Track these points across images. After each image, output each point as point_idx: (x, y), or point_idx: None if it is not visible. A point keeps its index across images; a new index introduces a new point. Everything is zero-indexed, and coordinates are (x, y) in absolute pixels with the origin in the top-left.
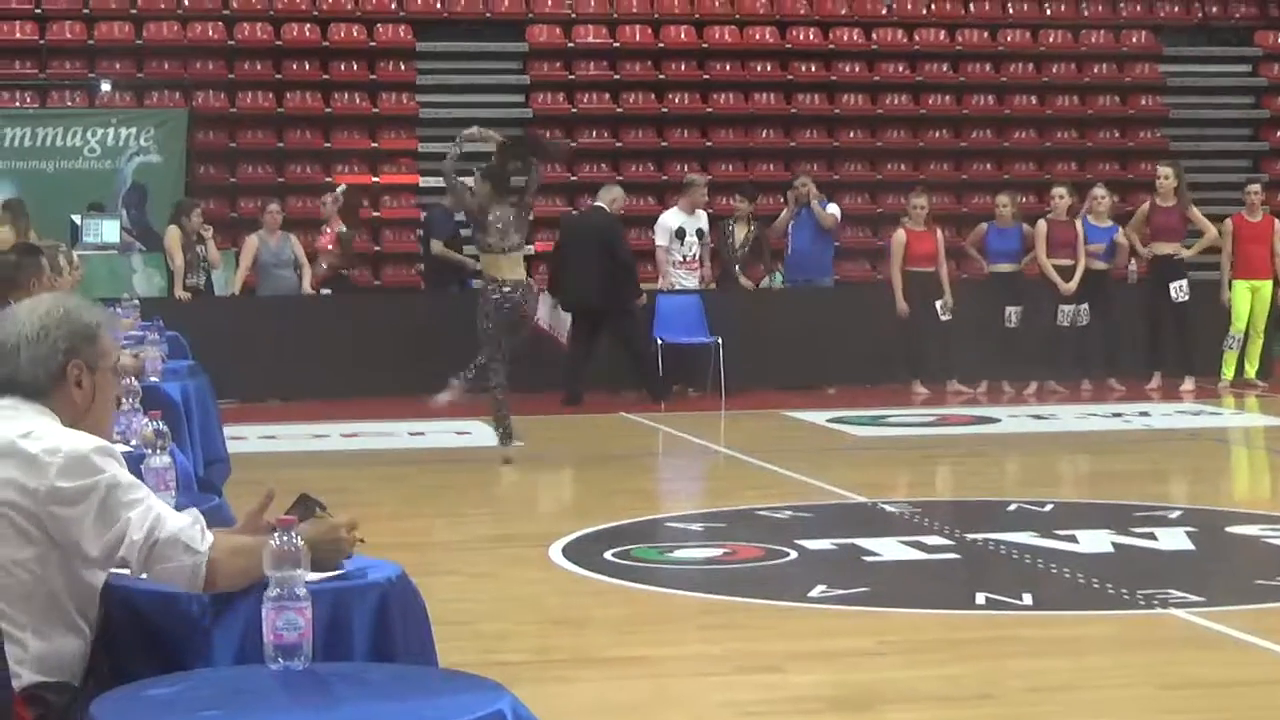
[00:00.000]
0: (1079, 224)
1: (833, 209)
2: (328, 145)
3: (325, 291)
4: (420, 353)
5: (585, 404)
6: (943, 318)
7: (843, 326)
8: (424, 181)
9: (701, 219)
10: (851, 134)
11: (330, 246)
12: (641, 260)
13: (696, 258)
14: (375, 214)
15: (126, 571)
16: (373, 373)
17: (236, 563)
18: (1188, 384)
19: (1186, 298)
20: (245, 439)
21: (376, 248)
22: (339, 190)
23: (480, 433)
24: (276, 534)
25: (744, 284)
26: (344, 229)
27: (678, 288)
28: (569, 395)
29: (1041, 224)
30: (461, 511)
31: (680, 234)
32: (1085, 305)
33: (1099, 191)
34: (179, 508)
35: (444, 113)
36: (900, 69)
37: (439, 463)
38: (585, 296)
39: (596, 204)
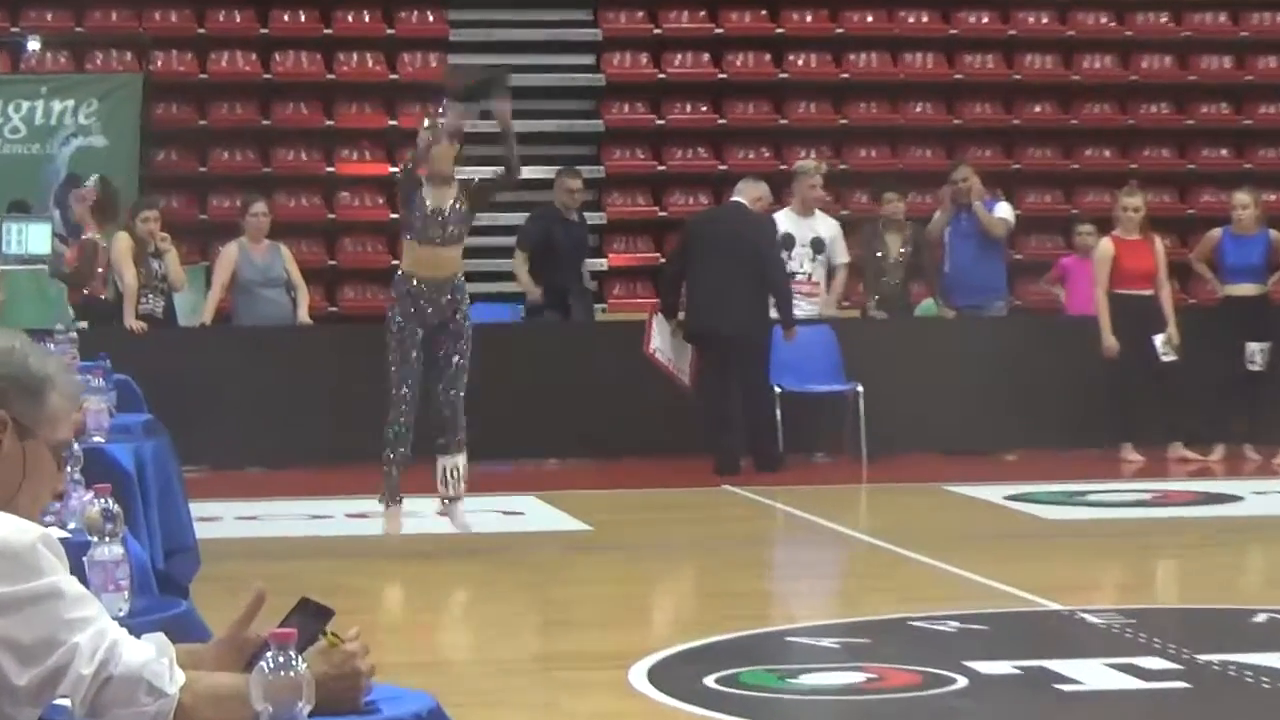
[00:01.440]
0: None
1: (1004, 211)
2: (330, 123)
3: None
4: (470, 403)
5: (661, 463)
6: (1163, 358)
7: (1025, 370)
8: (460, 172)
9: (822, 223)
10: (1036, 108)
11: (71, 260)
12: None
13: (811, 276)
14: (393, 216)
15: (65, 703)
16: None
17: (216, 711)
18: None
19: None
20: (220, 520)
21: (395, 261)
22: (90, 181)
23: (536, 513)
24: (269, 654)
25: (876, 315)
26: (96, 236)
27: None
28: (721, 461)
29: None
30: (511, 620)
31: (788, 243)
32: None
33: None
34: (135, 614)
35: None
36: (1102, 20)
37: (481, 553)
38: (717, 322)
39: (735, 200)
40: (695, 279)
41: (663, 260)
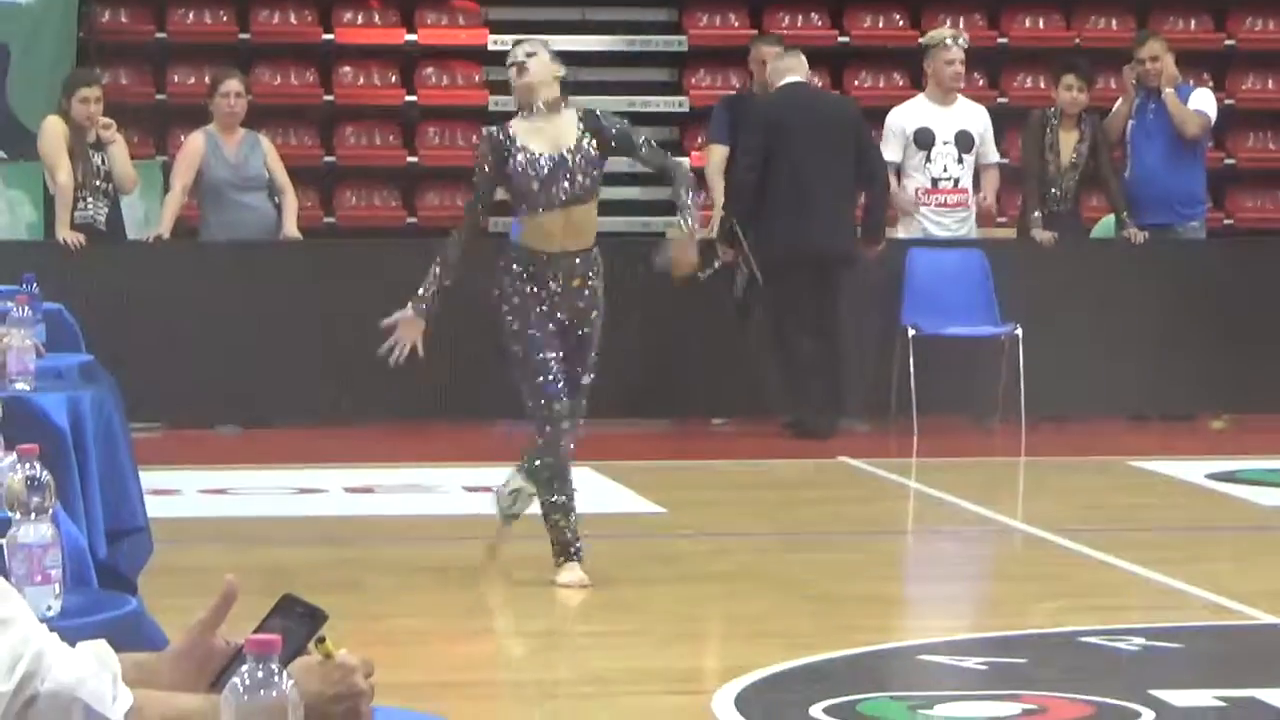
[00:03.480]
0: None
1: (1201, 100)
2: None
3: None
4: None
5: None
6: None
7: (1238, 310)
8: (495, 42)
9: (970, 113)
10: None
11: None
12: None
13: (959, 182)
14: (410, 98)
15: None
16: (405, 381)
17: None
18: None
19: None
20: (179, 494)
21: (411, 157)
22: None
23: (594, 490)
24: (244, 668)
25: (1040, 238)
26: None
27: (935, 235)
28: (797, 418)
29: None
30: (558, 629)
31: (925, 139)
32: None
33: None
34: (69, 614)
35: None
36: None
37: (519, 539)
38: (807, 237)
39: (793, 79)
40: (781, 183)
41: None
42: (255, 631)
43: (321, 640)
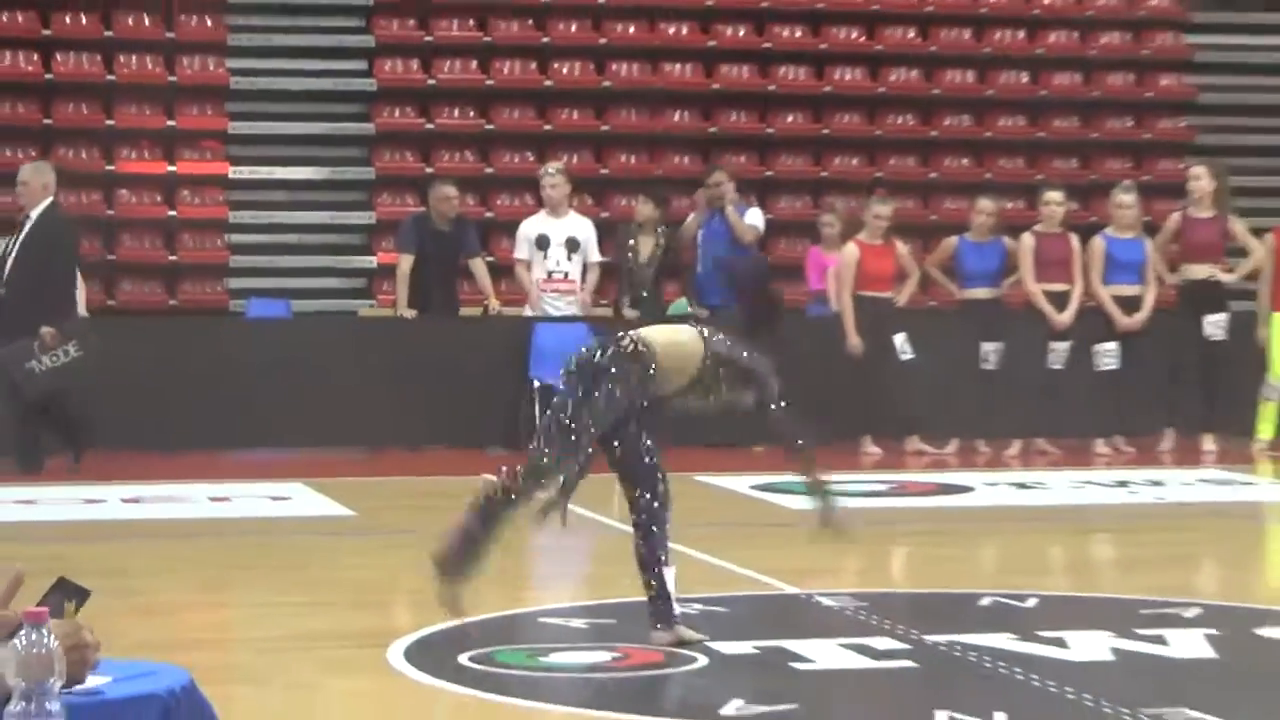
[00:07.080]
0: (1076, 239)
1: (754, 217)
2: (110, 123)
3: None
4: (242, 394)
5: (424, 453)
6: (902, 357)
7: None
8: (234, 172)
9: (577, 224)
10: (790, 118)
11: None
12: (503, 274)
13: (568, 275)
14: (171, 213)
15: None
16: (166, 418)
17: None
18: (1208, 444)
19: (1224, 336)
20: None
21: (172, 256)
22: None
23: (303, 498)
24: (23, 631)
25: (628, 316)
26: None
27: (550, 314)
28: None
29: (1028, 238)
30: (275, 600)
31: (543, 243)
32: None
33: (1124, 197)
34: None
35: (262, 83)
36: (854, 35)
37: (248, 535)
38: None
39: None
40: None
41: None
42: (36, 605)
43: (77, 607)
